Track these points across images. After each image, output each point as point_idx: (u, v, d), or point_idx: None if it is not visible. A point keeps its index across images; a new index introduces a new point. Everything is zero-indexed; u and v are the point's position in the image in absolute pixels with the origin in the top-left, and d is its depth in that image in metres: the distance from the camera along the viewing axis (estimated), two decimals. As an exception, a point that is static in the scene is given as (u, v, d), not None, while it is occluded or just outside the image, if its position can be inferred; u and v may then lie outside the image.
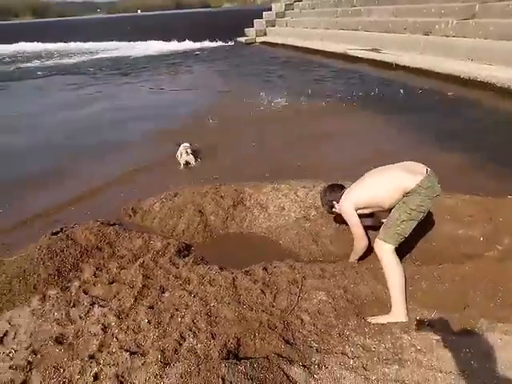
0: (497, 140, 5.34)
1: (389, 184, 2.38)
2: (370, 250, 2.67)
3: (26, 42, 28.21)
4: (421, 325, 2.16)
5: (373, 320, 2.22)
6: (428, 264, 2.69)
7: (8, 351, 2.20)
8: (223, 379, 1.81)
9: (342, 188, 2.72)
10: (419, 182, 2.27)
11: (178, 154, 4.91)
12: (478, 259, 2.67)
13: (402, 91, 8.27)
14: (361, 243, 2.60)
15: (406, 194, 2.32)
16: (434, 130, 5.84)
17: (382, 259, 2.31)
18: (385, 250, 2.30)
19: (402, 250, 2.88)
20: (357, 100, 7.94)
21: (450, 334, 2.07)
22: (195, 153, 4.99)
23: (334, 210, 2.79)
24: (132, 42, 25.26)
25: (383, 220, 2.53)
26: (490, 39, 9.34)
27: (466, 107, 7.12)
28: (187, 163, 4.85)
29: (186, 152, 4.82)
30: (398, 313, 2.19)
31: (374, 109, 7.15)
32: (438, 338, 2.05)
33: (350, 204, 2.52)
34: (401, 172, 2.38)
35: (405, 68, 10.23)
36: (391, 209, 2.40)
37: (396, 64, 10.62)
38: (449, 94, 7.85)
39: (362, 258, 2.76)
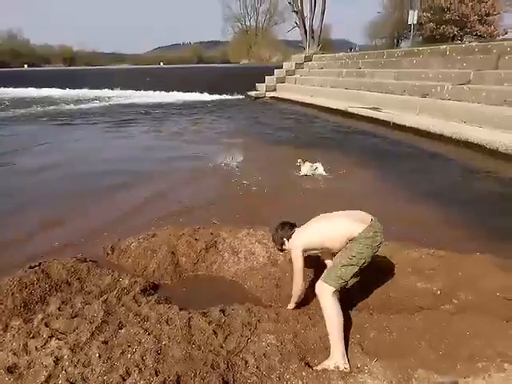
0: (481, 199, 5.47)
1: (335, 230, 2.52)
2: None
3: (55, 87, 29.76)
4: (360, 372, 2.19)
5: (317, 367, 2.27)
6: (381, 313, 2.74)
7: (-40, 377, 2.28)
8: (153, 414, 1.86)
9: (293, 227, 2.81)
10: (361, 231, 2.40)
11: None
12: (431, 312, 2.71)
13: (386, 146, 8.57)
14: (297, 288, 2.71)
15: (349, 241, 2.44)
16: (418, 187, 6.01)
17: (321, 300, 2.40)
18: (325, 292, 2.39)
19: (359, 299, 2.97)
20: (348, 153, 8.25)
21: (386, 383, 2.10)
22: None
23: (283, 247, 2.86)
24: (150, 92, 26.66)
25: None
26: (482, 103, 9.73)
27: (451, 165, 7.35)
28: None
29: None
30: (336, 353, 2.24)
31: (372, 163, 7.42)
32: (372, 386, 2.08)
33: (299, 245, 2.62)
34: (346, 219, 2.52)
35: (401, 127, 10.61)
36: (335, 254, 2.52)
37: (393, 123, 11.03)
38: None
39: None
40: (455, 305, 2.84)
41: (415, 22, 24.11)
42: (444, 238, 4.01)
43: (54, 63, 76.23)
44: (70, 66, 73.29)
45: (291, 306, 2.85)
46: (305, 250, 2.63)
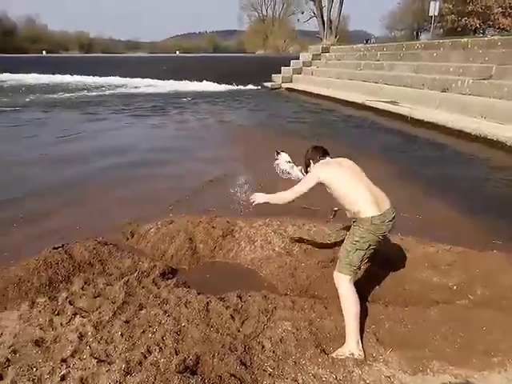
0: (499, 198, 5.41)
1: (352, 194, 2.45)
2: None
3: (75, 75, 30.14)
4: (375, 361, 2.24)
5: (332, 354, 2.32)
6: (396, 305, 2.77)
7: (-9, 348, 2.40)
8: (174, 390, 1.94)
9: (325, 155, 2.74)
10: (369, 216, 2.36)
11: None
12: (447, 306, 2.73)
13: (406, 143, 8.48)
14: (287, 196, 2.62)
15: (354, 219, 2.45)
16: (435, 183, 5.96)
17: (338, 289, 2.43)
18: (341, 281, 2.42)
19: (374, 290, 3.00)
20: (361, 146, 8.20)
21: (402, 372, 2.14)
22: None
23: (308, 169, 2.81)
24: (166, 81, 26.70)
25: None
26: (503, 99, 9.54)
27: (470, 162, 7.26)
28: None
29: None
30: (351, 342, 2.29)
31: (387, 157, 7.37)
32: (387, 374, 2.13)
33: (319, 175, 2.53)
34: (365, 194, 2.42)
35: (419, 121, 10.48)
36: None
37: (411, 117, 10.91)
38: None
39: None
40: (471, 300, 2.86)
41: (436, 14, 23.48)
42: (462, 235, 4.00)
43: (71, 50, 76.79)
44: (86, 53, 73.82)
45: (261, 198, 2.75)
46: (321, 183, 2.54)
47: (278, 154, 5.33)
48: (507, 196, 5.49)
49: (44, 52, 61.10)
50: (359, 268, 2.49)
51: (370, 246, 2.42)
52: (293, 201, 2.63)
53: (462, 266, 3.18)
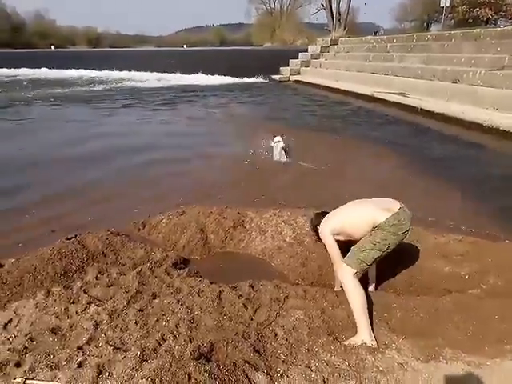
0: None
1: (358, 216, 2.56)
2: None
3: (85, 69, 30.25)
4: (387, 349, 2.25)
5: (344, 342, 2.33)
6: (408, 295, 2.77)
7: (9, 336, 2.44)
8: (189, 376, 1.97)
9: (324, 214, 2.86)
10: (385, 219, 2.42)
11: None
12: (459, 295, 2.73)
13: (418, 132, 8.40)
14: (335, 263, 2.68)
15: (374, 228, 2.47)
16: (446, 174, 5.92)
17: (342, 282, 2.45)
18: (345, 273, 2.44)
19: (386, 280, 3.00)
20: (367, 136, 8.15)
21: (415, 359, 2.15)
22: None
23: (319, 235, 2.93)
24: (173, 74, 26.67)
25: None
26: (516, 90, 9.40)
27: (482, 153, 7.18)
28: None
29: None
30: (363, 331, 2.30)
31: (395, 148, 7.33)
32: (400, 361, 2.14)
33: (327, 231, 2.65)
34: (373, 207, 2.53)
35: (429, 113, 10.37)
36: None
37: (421, 108, 10.80)
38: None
39: None
40: (484, 289, 2.84)
41: (448, 5, 23.14)
42: (473, 226, 3.97)
43: (79, 45, 77.16)
44: (95, 47, 74.09)
45: (337, 288, 2.89)
46: (336, 234, 2.65)
47: (274, 136, 6.58)
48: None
49: (52, 47, 61.48)
50: (368, 267, 2.50)
51: (388, 247, 2.46)
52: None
53: (474, 256, 3.16)
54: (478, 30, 13.55)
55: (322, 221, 2.77)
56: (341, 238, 2.65)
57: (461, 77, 11.56)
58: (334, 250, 2.61)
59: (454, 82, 11.75)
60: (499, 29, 13.04)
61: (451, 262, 3.12)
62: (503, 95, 9.54)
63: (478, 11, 32.72)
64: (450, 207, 4.62)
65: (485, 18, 33.00)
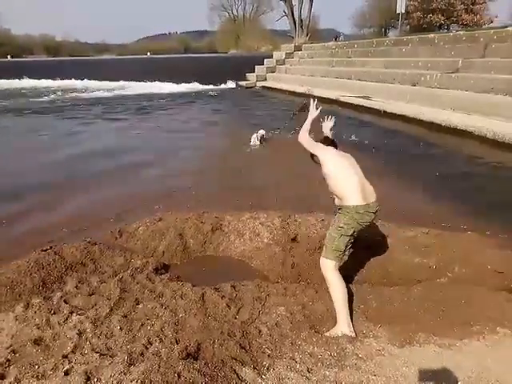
0: (470, 185, 5.72)
1: (342, 184, 2.61)
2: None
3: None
4: (366, 337, 2.38)
5: (325, 333, 2.45)
6: (382, 286, 2.94)
7: (-11, 350, 2.40)
8: (179, 375, 2.02)
9: (330, 143, 2.87)
10: (354, 205, 2.52)
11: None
12: (428, 283, 2.92)
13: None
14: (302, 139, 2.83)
15: (341, 205, 2.61)
16: (408, 173, 6.22)
17: (325, 275, 2.57)
18: (326, 266, 2.56)
19: (360, 273, 3.16)
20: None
21: (391, 345, 2.30)
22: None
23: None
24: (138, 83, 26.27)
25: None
26: (470, 91, 9.98)
27: (441, 152, 7.59)
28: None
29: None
30: (342, 322, 2.42)
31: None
32: (378, 348, 2.28)
33: (320, 150, 2.74)
34: (356, 187, 2.57)
35: (391, 115, 10.82)
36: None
37: (384, 111, 11.24)
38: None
39: None
40: (450, 278, 3.06)
41: (403, 11, 24.18)
42: (435, 219, 4.23)
43: (37, 54, 74.68)
44: (54, 56, 71.87)
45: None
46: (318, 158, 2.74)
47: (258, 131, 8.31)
48: (473, 179, 5.83)
49: (9, 57, 59.19)
50: (344, 253, 2.63)
51: (353, 232, 2.58)
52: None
53: (440, 247, 3.38)
54: (433, 34, 14.28)
55: (324, 146, 2.82)
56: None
57: (419, 80, 12.15)
58: (314, 144, 2.80)
59: (413, 85, 12.33)
60: (452, 34, 13.80)
61: (420, 253, 3.32)
62: (458, 96, 10.11)
63: (431, 17, 34.38)
64: (414, 203, 4.87)
65: (438, 24, 34.72)
